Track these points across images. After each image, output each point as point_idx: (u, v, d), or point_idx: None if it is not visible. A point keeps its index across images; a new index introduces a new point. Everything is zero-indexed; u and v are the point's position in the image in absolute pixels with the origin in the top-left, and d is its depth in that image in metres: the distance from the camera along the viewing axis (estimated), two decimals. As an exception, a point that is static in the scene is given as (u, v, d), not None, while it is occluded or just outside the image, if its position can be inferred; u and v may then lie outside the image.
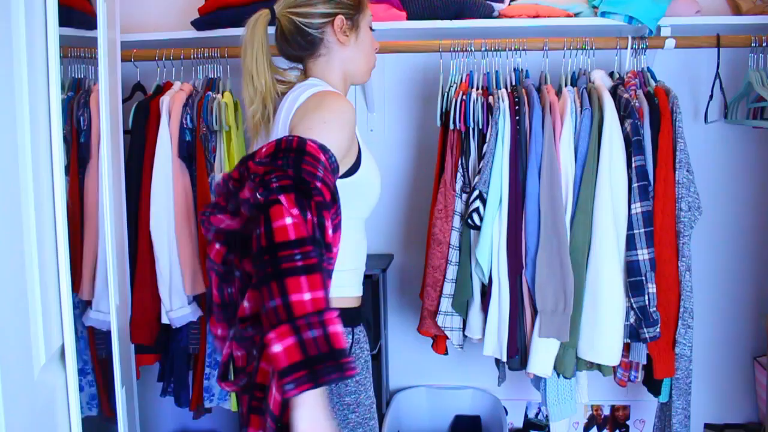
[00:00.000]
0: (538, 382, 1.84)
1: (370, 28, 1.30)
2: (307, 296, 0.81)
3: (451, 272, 1.77)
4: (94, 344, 1.89)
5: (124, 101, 1.73)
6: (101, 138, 1.48)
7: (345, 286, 1.24)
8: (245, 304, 0.98)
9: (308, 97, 1.14)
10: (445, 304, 1.78)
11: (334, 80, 1.27)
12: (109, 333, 1.72)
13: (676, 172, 1.66)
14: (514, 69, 1.84)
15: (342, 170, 1.12)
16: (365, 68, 1.31)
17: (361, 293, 1.29)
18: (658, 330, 1.64)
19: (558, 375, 1.72)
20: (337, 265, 1.14)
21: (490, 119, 1.71)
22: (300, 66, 1.31)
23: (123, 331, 1.63)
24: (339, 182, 1.10)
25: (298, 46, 1.25)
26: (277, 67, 1.29)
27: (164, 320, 1.77)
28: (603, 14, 1.82)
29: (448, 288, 1.77)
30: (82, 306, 1.80)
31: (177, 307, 1.75)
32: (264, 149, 0.95)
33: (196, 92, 1.84)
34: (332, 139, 1.04)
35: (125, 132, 1.75)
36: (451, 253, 1.77)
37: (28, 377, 1.03)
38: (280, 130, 1.17)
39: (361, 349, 1.24)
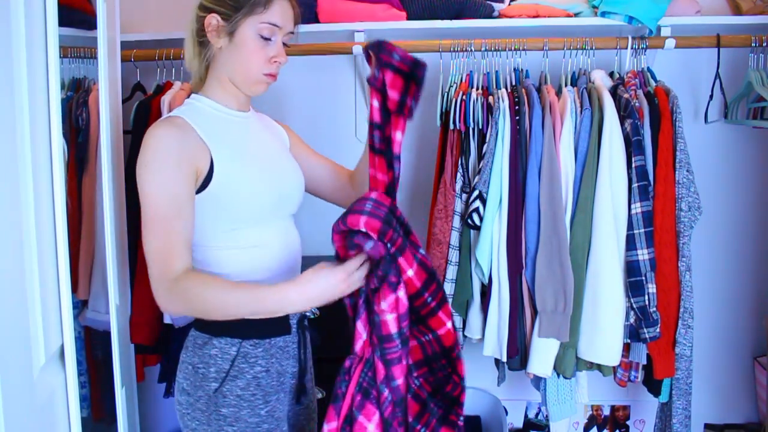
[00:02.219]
0: (538, 382, 1.84)
1: (265, 38, 1.18)
2: None
3: (451, 272, 1.77)
4: (89, 344, 1.90)
5: (124, 101, 1.73)
6: (101, 138, 1.48)
7: None
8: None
9: (151, 128, 1.15)
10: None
11: (218, 88, 1.23)
12: (105, 333, 1.72)
13: (676, 172, 1.66)
14: (514, 69, 1.84)
15: (197, 186, 1.14)
16: (242, 78, 1.20)
17: None
18: (658, 330, 1.64)
19: (558, 375, 1.72)
20: (219, 269, 1.18)
21: (490, 119, 1.71)
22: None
23: (123, 331, 1.63)
24: (197, 197, 1.14)
25: (199, 39, 1.22)
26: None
27: (166, 320, 1.77)
28: (603, 14, 1.82)
29: (448, 288, 1.77)
30: (78, 306, 1.80)
31: (179, 307, 1.74)
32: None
33: (196, 92, 1.84)
34: (162, 181, 1.10)
35: (125, 132, 1.75)
36: (451, 253, 1.77)
37: (28, 377, 1.03)
38: None
39: (249, 364, 1.19)
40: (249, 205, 1.19)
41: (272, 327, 1.23)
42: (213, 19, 1.17)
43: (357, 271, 1.10)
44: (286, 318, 1.26)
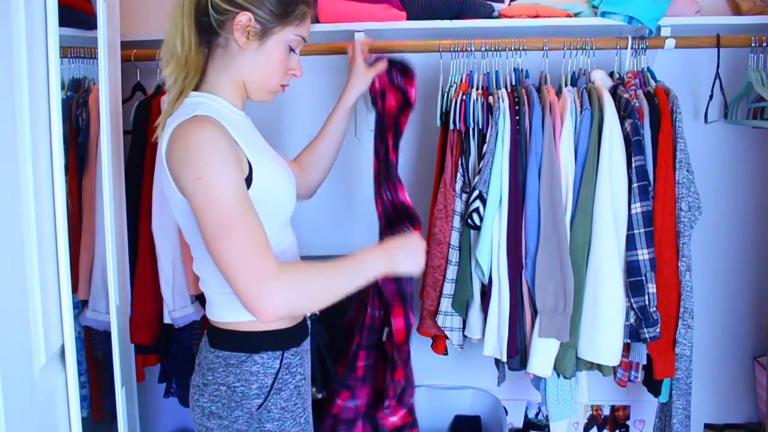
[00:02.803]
0: (538, 382, 1.84)
1: (291, 50, 1.16)
2: None
3: (451, 272, 1.77)
4: (90, 345, 1.90)
5: (124, 101, 1.73)
6: (101, 138, 1.48)
7: None
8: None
9: (170, 136, 1.04)
10: (445, 304, 1.78)
11: (230, 87, 1.15)
12: (105, 333, 1.72)
13: (676, 172, 1.66)
14: (514, 69, 1.83)
15: None
16: (258, 85, 1.17)
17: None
18: (658, 330, 1.64)
19: (558, 375, 1.72)
20: None
21: (490, 119, 1.71)
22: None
23: (123, 331, 1.63)
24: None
25: (200, 24, 1.11)
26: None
27: (166, 320, 1.77)
28: (603, 14, 1.82)
29: (448, 288, 1.77)
30: (78, 306, 1.80)
31: (180, 306, 1.75)
32: None
33: (196, 92, 1.84)
34: (227, 179, 1.00)
35: (125, 132, 1.75)
36: (451, 253, 1.77)
37: (28, 377, 1.03)
38: (162, 161, 1.08)
39: (291, 374, 1.17)
40: (284, 208, 1.18)
41: (302, 332, 1.23)
42: (244, 17, 1.09)
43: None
44: (305, 319, 1.26)
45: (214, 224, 0.99)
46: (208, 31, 1.12)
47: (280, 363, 1.15)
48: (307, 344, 1.25)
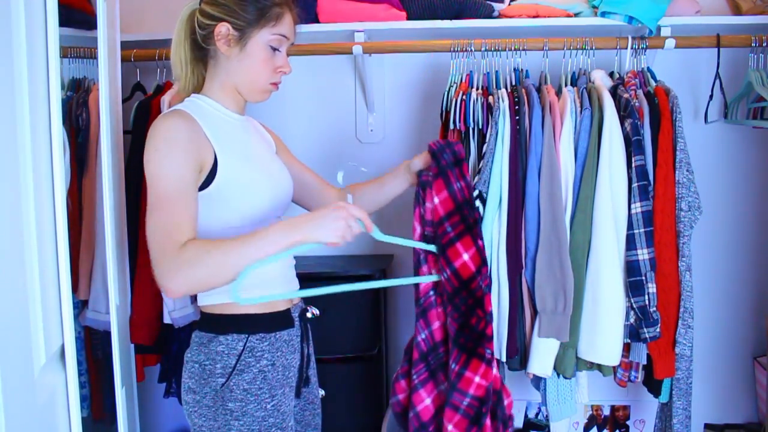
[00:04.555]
0: (538, 382, 1.84)
1: (274, 49, 1.22)
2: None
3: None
4: (90, 345, 1.90)
5: (124, 101, 1.73)
6: (101, 138, 1.48)
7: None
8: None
9: (156, 120, 1.15)
10: None
11: (220, 91, 1.25)
12: (105, 333, 1.72)
13: (676, 171, 1.67)
14: (514, 69, 1.84)
15: (200, 183, 1.14)
16: (249, 87, 1.24)
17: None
18: (658, 330, 1.64)
19: (558, 375, 1.72)
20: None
21: (490, 119, 1.71)
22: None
23: (123, 331, 1.63)
24: (200, 194, 1.15)
25: (194, 44, 1.23)
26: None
27: (166, 320, 1.77)
28: (603, 14, 1.82)
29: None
30: (78, 306, 1.80)
31: (180, 306, 1.75)
32: None
33: (196, 92, 1.84)
34: (169, 164, 1.09)
35: (125, 132, 1.75)
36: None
37: (28, 377, 1.03)
38: None
39: (255, 358, 1.20)
40: (251, 204, 1.21)
41: (278, 321, 1.26)
42: (223, 28, 1.18)
43: (358, 212, 1.10)
44: (288, 311, 1.28)
45: (149, 201, 1.10)
46: (199, 47, 1.23)
47: (244, 345, 1.20)
48: (288, 336, 1.27)
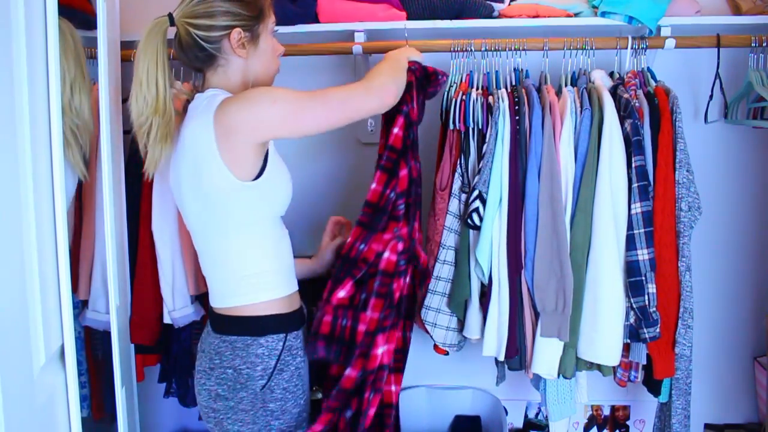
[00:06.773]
0: (537, 382, 1.84)
1: (273, 33, 1.31)
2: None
3: (448, 272, 1.76)
4: (90, 345, 1.90)
5: (124, 101, 1.73)
6: (101, 138, 1.48)
7: (269, 289, 1.24)
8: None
9: (216, 110, 1.16)
10: (429, 298, 1.78)
11: (235, 88, 1.28)
12: (105, 333, 1.72)
13: (676, 172, 1.66)
14: (514, 69, 1.83)
15: (250, 176, 1.17)
16: (264, 76, 1.31)
17: (290, 293, 1.28)
18: (658, 330, 1.64)
19: (558, 375, 1.72)
20: (255, 267, 1.19)
21: (489, 119, 1.71)
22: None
23: (123, 331, 1.63)
24: (247, 185, 1.17)
25: (196, 59, 1.27)
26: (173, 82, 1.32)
27: (166, 320, 1.77)
28: (603, 14, 1.82)
29: (434, 284, 1.77)
30: (78, 306, 1.80)
31: (180, 306, 1.75)
32: None
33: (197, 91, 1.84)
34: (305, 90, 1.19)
35: (125, 132, 1.75)
36: (449, 253, 1.76)
37: (28, 377, 1.03)
38: (197, 136, 1.19)
39: (292, 356, 1.24)
40: (284, 198, 1.28)
41: (302, 317, 1.31)
42: (236, 34, 1.22)
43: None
44: (302, 308, 1.34)
45: (340, 100, 1.22)
46: (206, 60, 1.26)
47: (283, 345, 1.22)
48: (305, 329, 1.33)
